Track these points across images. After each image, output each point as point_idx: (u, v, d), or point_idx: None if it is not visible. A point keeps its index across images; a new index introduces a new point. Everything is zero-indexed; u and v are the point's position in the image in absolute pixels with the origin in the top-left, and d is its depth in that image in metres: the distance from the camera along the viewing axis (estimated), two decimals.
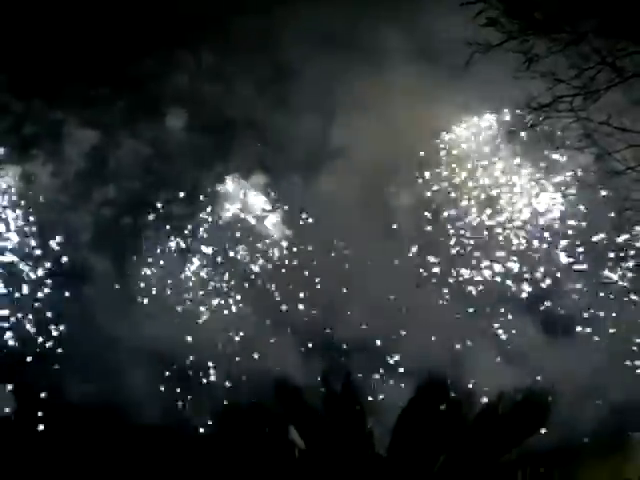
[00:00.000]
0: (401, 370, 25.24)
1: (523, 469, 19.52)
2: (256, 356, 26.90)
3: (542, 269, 28.17)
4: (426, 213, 28.94)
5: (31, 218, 27.88)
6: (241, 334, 27.48)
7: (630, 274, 23.76)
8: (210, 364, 27.13)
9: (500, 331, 27.52)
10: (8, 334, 26.95)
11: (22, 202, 27.95)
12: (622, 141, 17.81)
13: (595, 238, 26.15)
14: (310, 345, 26.81)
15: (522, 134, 20.77)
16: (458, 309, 27.74)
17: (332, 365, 24.94)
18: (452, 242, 28.75)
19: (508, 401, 18.76)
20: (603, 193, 20.82)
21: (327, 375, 17.47)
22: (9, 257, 27.56)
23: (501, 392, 18.15)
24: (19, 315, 27.21)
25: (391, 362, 26.20)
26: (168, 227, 28.53)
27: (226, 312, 27.87)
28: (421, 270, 28.42)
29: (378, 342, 26.58)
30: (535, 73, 17.46)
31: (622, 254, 22.18)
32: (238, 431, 17.30)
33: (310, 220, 28.88)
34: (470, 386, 23.74)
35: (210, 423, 22.13)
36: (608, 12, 16.94)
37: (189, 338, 27.17)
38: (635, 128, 17.64)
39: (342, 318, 26.88)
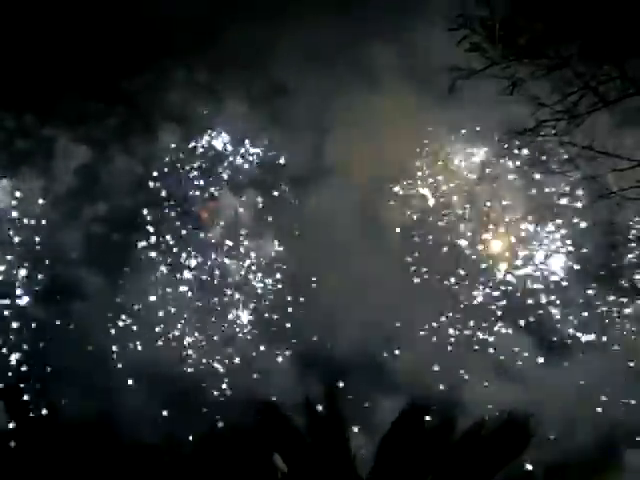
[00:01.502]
0: (394, 388, 25.32)
1: None
2: (246, 375, 27.02)
3: (536, 285, 28.29)
4: (419, 229, 29.00)
5: (20, 235, 27.98)
6: (231, 353, 27.51)
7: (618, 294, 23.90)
8: (199, 384, 27.14)
9: (494, 348, 27.69)
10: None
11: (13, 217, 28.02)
12: (605, 165, 17.87)
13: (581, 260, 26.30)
14: (302, 363, 26.90)
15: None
16: (452, 325, 27.88)
17: (324, 384, 25.03)
18: (446, 257, 28.79)
19: (493, 422, 18.74)
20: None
21: (308, 396, 17.56)
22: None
23: (482, 417, 18.19)
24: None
25: (384, 380, 26.28)
26: (160, 243, 28.56)
27: (214, 331, 27.89)
28: (415, 285, 28.47)
29: (371, 360, 26.62)
30: (519, 97, 17.55)
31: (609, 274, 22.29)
32: (220, 452, 17.37)
33: (303, 236, 28.80)
34: (456, 407, 23.89)
35: (194, 443, 22.16)
36: (590, 37, 16.99)
37: (179, 356, 27.23)
38: (618, 152, 17.69)
39: (335, 335, 26.98)
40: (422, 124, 27.65)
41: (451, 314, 28.22)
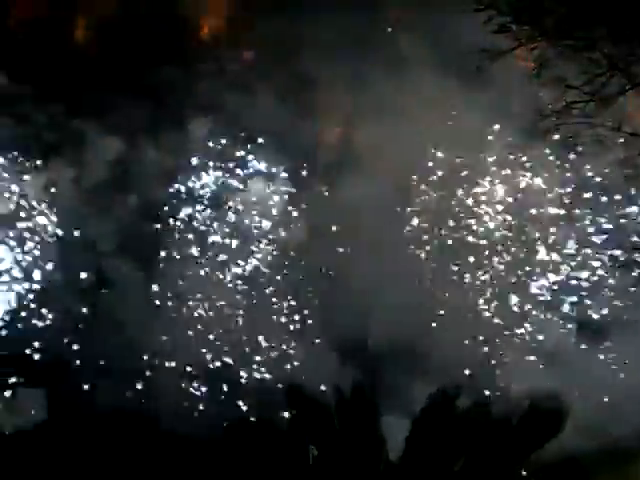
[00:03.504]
0: (429, 374, 25.28)
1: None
2: (279, 362, 27.08)
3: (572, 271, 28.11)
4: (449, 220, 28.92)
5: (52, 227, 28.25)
6: (264, 340, 27.56)
7: None
8: (232, 370, 27.23)
9: (531, 334, 27.53)
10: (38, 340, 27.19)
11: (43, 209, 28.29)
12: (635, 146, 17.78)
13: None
14: (335, 350, 26.81)
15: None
16: (486, 311, 27.77)
17: (358, 370, 25.00)
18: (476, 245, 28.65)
19: (525, 407, 18.70)
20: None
21: (337, 382, 17.58)
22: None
23: (516, 400, 18.11)
24: (49, 321, 27.46)
25: (419, 366, 26.12)
26: (190, 235, 28.67)
27: (248, 318, 27.93)
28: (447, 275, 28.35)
29: (405, 346, 26.50)
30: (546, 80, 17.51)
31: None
32: (252, 437, 17.46)
33: (334, 226, 28.73)
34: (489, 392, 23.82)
35: (227, 430, 22.26)
36: (619, 18, 16.89)
37: (212, 344, 27.32)
38: None
39: (366, 322, 26.96)
40: (449, 109, 27.58)
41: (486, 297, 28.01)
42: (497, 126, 28.56)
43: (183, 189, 29.09)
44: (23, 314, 27.47)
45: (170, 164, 29.05)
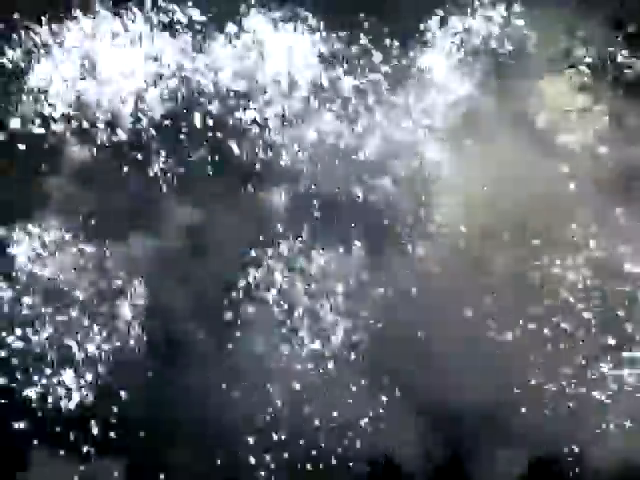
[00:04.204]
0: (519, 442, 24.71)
1: None
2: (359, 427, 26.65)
3: None
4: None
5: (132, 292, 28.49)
6: (345, 408, 27.25)
7: None
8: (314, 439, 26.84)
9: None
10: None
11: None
12: None
13: None
14: (420, 414, 26.47)
15: None
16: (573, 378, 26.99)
17: (446, 436, 24.52)
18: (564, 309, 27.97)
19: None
20: None
21: (430, 449, 16.84)
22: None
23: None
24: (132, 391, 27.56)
25: (509, 433, 25.66)
26: (268, 303, 28.60)
27: (329, 386, 27.68)
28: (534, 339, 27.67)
29: (495, 411, 26.08)
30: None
31: None
32: None
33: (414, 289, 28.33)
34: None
35: None
36: None
37: (294, 412, 27.16)
38: None
39: (456, 384, 26.50)
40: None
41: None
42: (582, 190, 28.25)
43: (260, 255, 29.10)
44: (101, 382, 27.60)
45: (248, 231, 29.19)
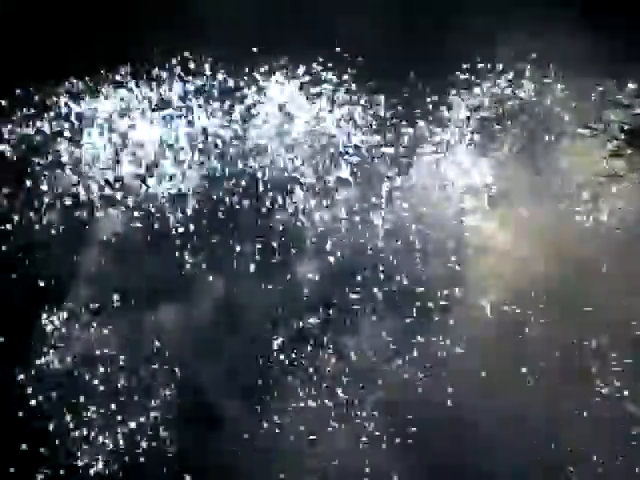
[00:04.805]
0: None
1: None
2: None
3: None
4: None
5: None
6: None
7: None
8: None
9: None
10: None
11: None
12: None
13: None
14: None
15: None
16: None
17: None
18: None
19: None
20: None
21: None
22: None
23: None
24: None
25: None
26: (300, 374, 28.38)
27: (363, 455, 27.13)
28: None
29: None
30: None
31: None
32: None
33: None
34: None
35: None
36: None
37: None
38: None
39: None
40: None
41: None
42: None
43: (289, 329, 28.98)
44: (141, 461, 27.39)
45: (276, 303, 29.16)
